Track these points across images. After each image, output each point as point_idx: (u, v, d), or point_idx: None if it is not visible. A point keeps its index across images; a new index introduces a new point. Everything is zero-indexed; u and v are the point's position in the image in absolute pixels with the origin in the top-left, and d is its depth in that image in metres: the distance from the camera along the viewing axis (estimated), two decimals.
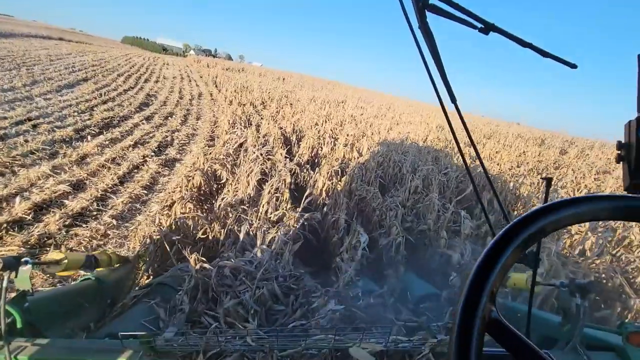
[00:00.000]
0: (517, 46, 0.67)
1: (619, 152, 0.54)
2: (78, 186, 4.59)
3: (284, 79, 29.32)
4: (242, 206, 3.34)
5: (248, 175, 3.98)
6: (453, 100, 0.69)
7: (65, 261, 1.59)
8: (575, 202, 0.41)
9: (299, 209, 3.50)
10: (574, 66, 0.69)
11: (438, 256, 3.25)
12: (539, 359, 0.33)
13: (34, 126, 6.81)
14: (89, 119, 8.10)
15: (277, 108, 12.15)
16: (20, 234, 3.32)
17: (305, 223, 3.27)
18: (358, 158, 5.73)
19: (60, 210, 3.86)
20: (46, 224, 3.53)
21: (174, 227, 3.16)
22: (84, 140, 6.59)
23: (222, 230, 3.12)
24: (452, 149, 9.16)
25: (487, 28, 0.65)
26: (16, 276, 1.33)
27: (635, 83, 0.52)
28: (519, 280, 1.80)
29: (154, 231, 3.04)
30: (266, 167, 4.64)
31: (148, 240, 3.09)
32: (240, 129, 7.59)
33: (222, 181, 4.32)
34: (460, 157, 8.41)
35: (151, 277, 2.80)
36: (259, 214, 3.41)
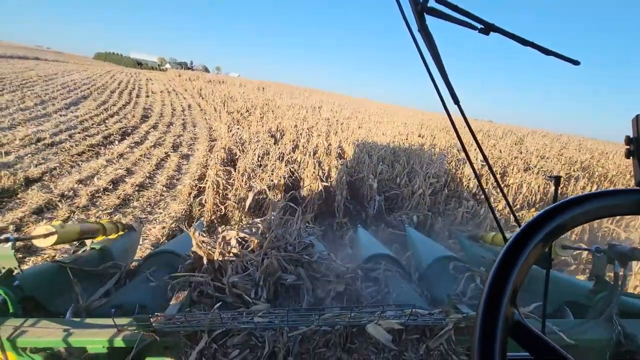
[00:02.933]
0: (518, 45, 0.65)
1: (628, 147, 0.52)
2: (129, 171, 6.49)
3: (263, 88, 31.40)
4: (250, 167, 5.43)
5: (254, 151, 6.06)
6: (456, 101, 0.67)
7: (55, 235, 1.53)
8: (596, 196, 0.39)
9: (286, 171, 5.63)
10: (576, 62, 0.67)
11: (366, 186, 5.42)
12: None
13: (70, 136, 8.57)
14: (107, 129, 9.88)
15: (260, 114, 14.21)
16: (111, 195, 5.24)
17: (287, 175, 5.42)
18: (327, 144, 7.90)
19: (126, 183, 5.78)
20: (123, 189, 5.46)
21: (210, 185, 5.17)
22: (113, 144, 8.43)
23: (244, 185, 5.16)
24: (403, 139, 11.54)
25: (488, 28, 0.63)
26: None
27: None
28: None
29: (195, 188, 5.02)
30: (262, 150, 6.74)
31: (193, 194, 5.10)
32: (236, 129, 9.64)
33: (236, 157, 6.33)
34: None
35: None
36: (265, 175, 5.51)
